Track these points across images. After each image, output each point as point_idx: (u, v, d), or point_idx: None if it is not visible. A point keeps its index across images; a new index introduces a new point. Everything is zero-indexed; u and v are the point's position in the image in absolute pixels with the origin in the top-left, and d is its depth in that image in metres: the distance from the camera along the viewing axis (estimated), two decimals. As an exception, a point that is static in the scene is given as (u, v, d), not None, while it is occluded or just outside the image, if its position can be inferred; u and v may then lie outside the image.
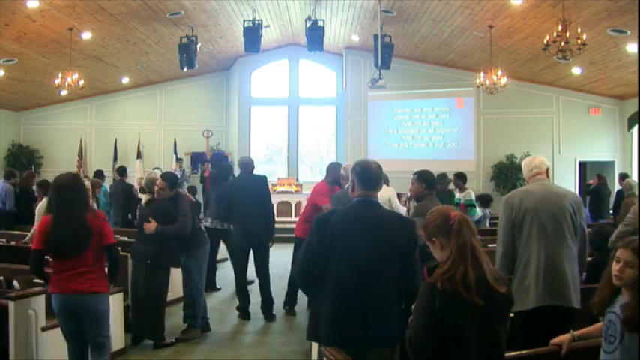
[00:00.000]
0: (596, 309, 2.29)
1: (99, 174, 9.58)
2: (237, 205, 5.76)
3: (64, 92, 11.56)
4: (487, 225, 8.48)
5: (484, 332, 1.98)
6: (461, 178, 8.00)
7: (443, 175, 7.69)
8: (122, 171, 9.78)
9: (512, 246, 3.22)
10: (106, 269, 3.51)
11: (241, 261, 5.86)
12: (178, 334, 5.14)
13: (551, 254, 3.12)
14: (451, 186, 8.04)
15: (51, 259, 3.47)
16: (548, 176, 3.41)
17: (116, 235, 6.45)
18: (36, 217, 5.84)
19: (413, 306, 2.11)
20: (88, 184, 5.18)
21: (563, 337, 2.48)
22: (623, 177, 9.28)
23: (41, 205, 5.85)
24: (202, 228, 5.66)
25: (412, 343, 2.02)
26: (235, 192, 5.85)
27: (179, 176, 13.22)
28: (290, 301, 6.11)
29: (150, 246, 4.81)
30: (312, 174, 15.95)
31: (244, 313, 5.91)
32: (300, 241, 5.46)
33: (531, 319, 3.05)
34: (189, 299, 5.18)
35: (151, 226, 4.78)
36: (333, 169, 5.75)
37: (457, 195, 7.93)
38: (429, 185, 4.14)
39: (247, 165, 5.93)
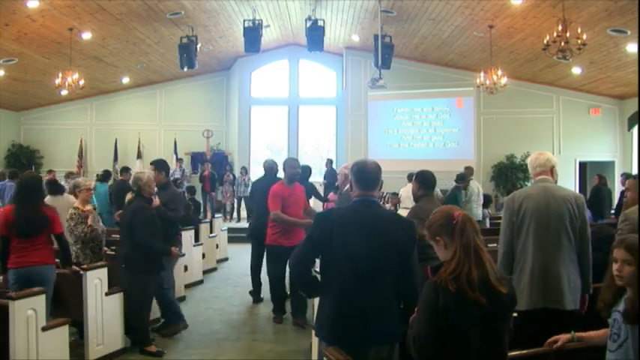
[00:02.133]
0: (603, 312, 2.32)
1: (106, 174, 9.72)
2: (255, 202, 6.34)
3: (64, 92, 11.56)
4: (487, 224, 8.52)
5: (487, 331, 1.98)
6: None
7: (464, 175, 7.99)
8: (124, 170, 9.86)
9: (511, 247, 3.29)
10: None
11: (255, 250, 6.38)
12: (166, 331, 5.19)
13: (547, 257, 3.16)
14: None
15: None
16: (553, 174, 3.44)
17: (115, 235, 6.46)
18: None
19: (417, 307, 2.11)
20: (82, 181, 5.19)
21: (563, 337, 2.49)
22: (627, 177, 9.24)
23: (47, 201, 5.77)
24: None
25: (416, 342, 2.02)
26: (255, 191, 6.43)
27: (179, 176, 13.27)
28: (277, 309, 5.90)
29: (123, 249, 4.70)
30: (312, 174, 15.94)
31: (256, 295, 6.55)
32: (271, 248, 5.63)
33: (525, 320, 3.07)
34: (164, 299, 5.15)
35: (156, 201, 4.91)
36: (289, 166, 5.70)
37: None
38: (425, 186, 4.07)
39: (271, 168, 6.38)
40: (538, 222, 3.19)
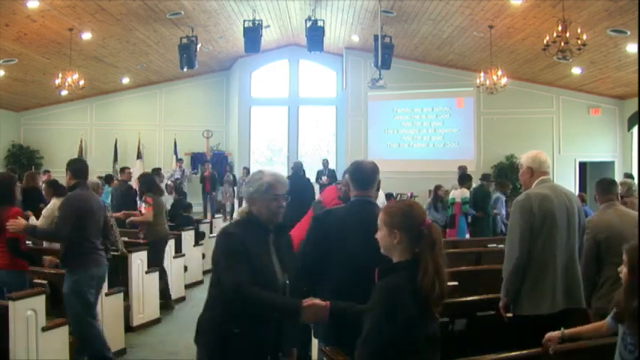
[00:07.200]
0: (620, 319, 2.27)
1: (108, 178, 9.66)
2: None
3: (64, 92, 11.56)
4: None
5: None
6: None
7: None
8: (121, 171, 9.83)
9: (528, 250, 3.10)
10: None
11: None
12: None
13: (568, 258, 3.13)
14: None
15: None
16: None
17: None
18: (42, 218, 5.17)
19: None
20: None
21: (554, 335, 2.48)
22: (628, 177, 9.24)
23: (52, 206, 5.16)
24: (100, 247, 4.20)
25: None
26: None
27: (179, 176, 13.28)
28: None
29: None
30: (313, 174, 15.98)
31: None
32: None
33: (546, 323, 2.91)
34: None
35: (19, 223, 3.95)
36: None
37: (454, 193, 8.21)
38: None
39: (298, 169, 7.16)
40: (557, 222, 3.11)
